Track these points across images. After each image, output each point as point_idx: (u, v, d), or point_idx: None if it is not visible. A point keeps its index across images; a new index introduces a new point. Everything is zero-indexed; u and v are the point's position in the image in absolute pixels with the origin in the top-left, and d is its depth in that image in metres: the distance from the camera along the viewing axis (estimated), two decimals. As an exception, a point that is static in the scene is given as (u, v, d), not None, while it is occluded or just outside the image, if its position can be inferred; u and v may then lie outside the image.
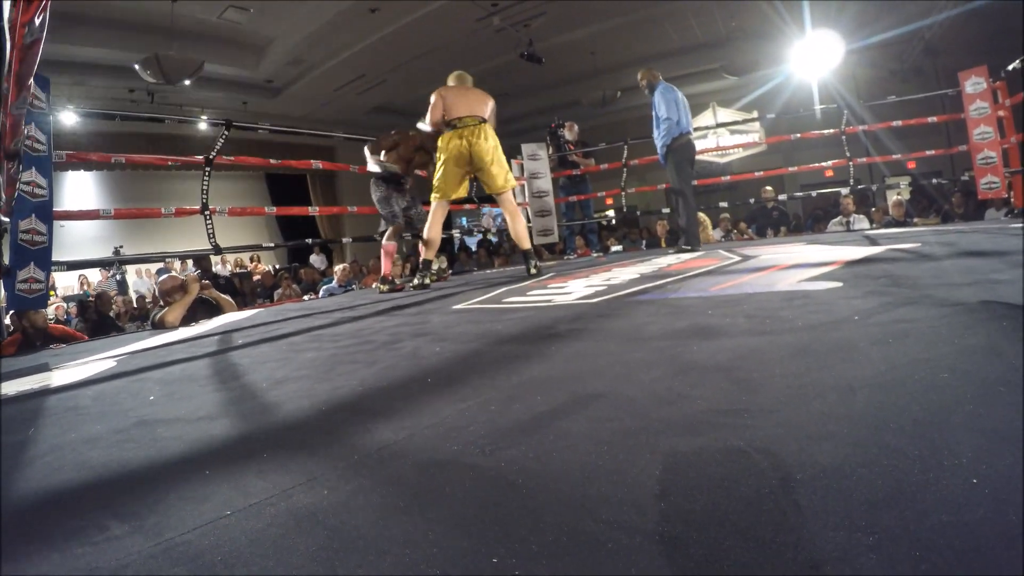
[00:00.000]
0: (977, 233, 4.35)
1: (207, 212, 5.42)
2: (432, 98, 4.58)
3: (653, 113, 5.68)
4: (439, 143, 4.60)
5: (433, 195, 4.66)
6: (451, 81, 4.85)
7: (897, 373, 1.07)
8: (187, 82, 10.16)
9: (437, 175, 4.60)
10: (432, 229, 4.68)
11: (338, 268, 7.83)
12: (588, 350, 1.62)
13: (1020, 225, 4.80)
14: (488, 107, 4.64)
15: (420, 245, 4.93)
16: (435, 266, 5.21)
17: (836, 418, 0.91)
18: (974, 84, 7.14)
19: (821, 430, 0.87)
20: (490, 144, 4.51)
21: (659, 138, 5.68)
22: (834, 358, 1.22)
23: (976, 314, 1.46)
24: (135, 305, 9.52)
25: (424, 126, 4.68)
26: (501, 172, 4.57)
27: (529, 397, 1.24)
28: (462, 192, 4.69)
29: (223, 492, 0.97)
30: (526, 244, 4.67)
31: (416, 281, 4.68)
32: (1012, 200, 7.20)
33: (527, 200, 8.25)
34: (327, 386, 1.65)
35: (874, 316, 1.55)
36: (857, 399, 0.97)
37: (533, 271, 4.48)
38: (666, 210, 9.17)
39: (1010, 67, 6.79)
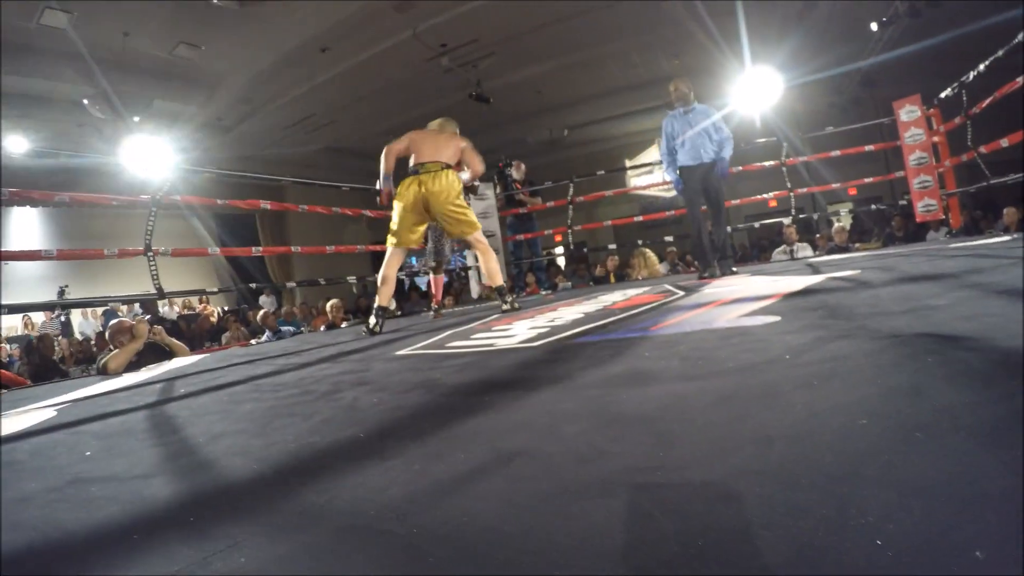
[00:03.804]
0: (916, 256, 4.49)
1: (151, 254, 5.29)
2: (403, 140, 4.51)
3: (690, 125, 5.40)
4: (398, 189, 4.46)
5: (388, 239, 4.54)
6: (431, 125, 4.80)
7: (816, 421, 1.07)
8: (136, 118, 10.03)
9: (393, 219, 4.49)
10: (384, 271, 4.55)
11: (260, 313, 7.69)
12: (519, 400, 1.61)
13: (957, 246, 4.97)
14: (453, 151, 4.54)
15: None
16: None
17: (748, 474, 0.89)
18: (908, 112, 7.45)
19: (731, 489, 0.86)
20: (449, 191, 4.38)
21: (721, 154, 5.38)
22: (757, 405, 1.22)
23: (905, 349, 1.48)
24: (79, 348, 9.26)
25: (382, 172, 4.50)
26: (461, 218, 4.45)
27: (453, 454, 1.22)
28: (415, 239, 4.58)
29: (148, 559, 0.95)
30: (498, 280, 4.65)
31: (371, 323, 4.45)
32: (949, 221, 7.48)
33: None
34: (261, 442, 1.61)
35: (805, 354, 1.57)
36: (773, 452, 0.96)
37: (505, 307, 4.44)
38: (612, 246, 9.29)
39: (943, 95, 7.09)
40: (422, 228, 4.60)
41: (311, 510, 1.06)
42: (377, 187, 4.59)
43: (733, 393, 1.32)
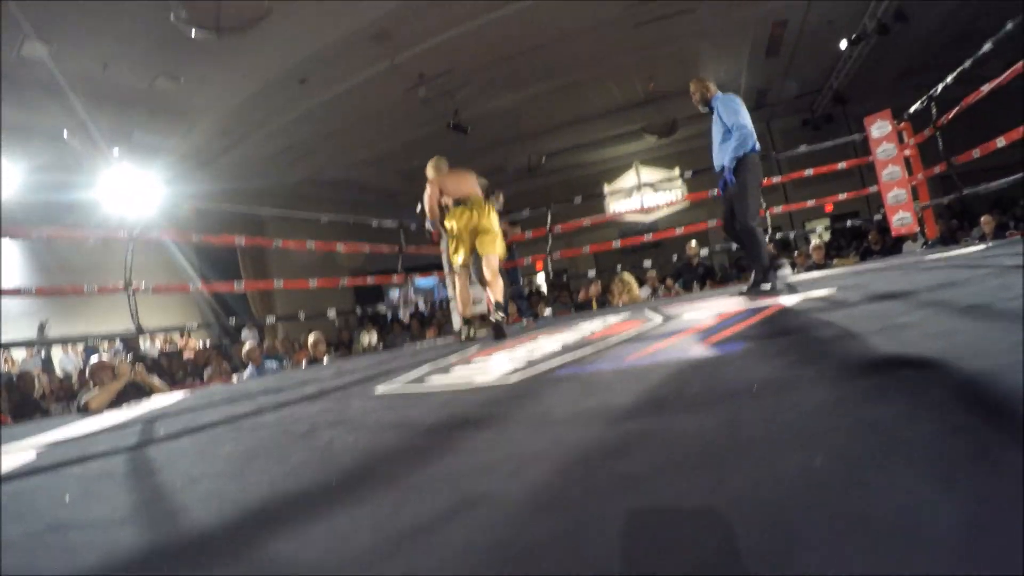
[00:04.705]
0: (892, 270, 4.55)
1: (130, 290, 5.27)
2: (427, 188, 5.33)
3: (716, 128, 4.87)
4: (447, 221, 5.28)
5: (453, 260, 5.46)
6: (431, 171, 5.50)
7: (773, 457, 1.09)
8: (116, 151, 10.01)
9: (452, 247, 5.40)
10: (458, 294, 5.60)
11: (245, 349, 7.64)
12: (490, 441, 1.61)
13: (934, 257, 5.06)
14: (475, 184, 5.36)
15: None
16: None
17: (696, 518, 0.90)
18: (879, 128, 7.58)
19: (675, 536, 0.87)
20: (492, 220, 5.26)
21: (729, 151, 4.72)
22: (717, 444, 1.23)
23: (871, 380, 1.51)
24: (60, 385, 9.17)
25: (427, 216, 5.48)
26: (496, 240, 5.27)
27: (420, 500, 1.23)
28: (468, 258, 5.36)
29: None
30: (497, 297, 5.26)
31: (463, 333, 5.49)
32: (925, 233, 7.60)
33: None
34: (237, 486, 1.61)
35: (771, 385, 1.59)
36: (723, 494, 0.97)
37: (495, 318, 4.95)
38: (592, 272, 9.30)
39: (912, 109, 7.24)
40: (470, 245, 5.31)
41: (276, 561, 1.06)
42: (427, 227, 6.07)
43: (696, 432, 1.34)
